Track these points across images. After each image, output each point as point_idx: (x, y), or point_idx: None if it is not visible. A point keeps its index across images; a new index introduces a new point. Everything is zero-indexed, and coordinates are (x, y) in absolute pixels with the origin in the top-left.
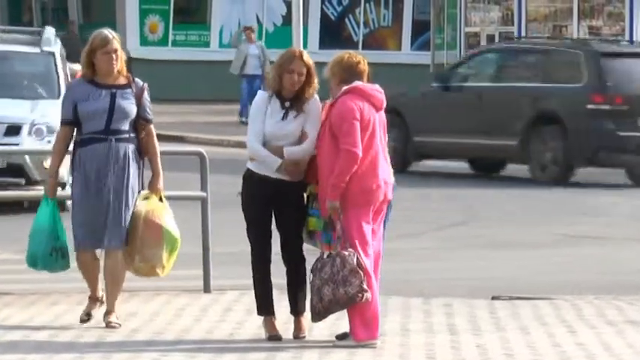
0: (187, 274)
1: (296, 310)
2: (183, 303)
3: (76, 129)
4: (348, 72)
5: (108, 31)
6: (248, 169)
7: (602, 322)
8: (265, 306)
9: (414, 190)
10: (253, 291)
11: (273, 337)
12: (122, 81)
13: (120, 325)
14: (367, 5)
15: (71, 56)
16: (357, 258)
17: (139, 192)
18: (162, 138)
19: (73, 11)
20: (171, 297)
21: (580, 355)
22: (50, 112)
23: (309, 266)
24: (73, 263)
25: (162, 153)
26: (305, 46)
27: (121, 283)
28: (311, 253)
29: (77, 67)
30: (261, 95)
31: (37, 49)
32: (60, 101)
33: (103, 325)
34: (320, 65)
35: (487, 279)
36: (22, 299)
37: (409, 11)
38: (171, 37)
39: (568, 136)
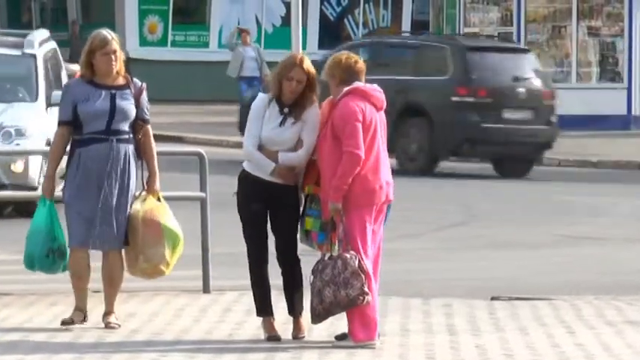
0: (186, 275)
1: (294, 310)
2: (183, 303)
3: (72, 129)
4: (348, 72)
5: (107, 32)
6: (243, 170)
7: (602, 323)
8: (264, 307)
9: (414, 191)
10: (252, 292)
11: (272, 337)
12: (121, 81)
13: (119, 325)
14: (366, 6)
15: (73, 57)
16: (359, 260)
17: (138, 192)
18: (161, 138)
19: (73, 12)
20: (170, 297)
21: (579, 356)
22: (23, 116)
23: (306, 267)
24: None
25: (161, 153)
26: (304, 46)
27: (120, 284)
28: (308, 253)
29: (77, 68)
30: (261, 98)
31: (18, 52)
32: (38, 104)
33: (102, 325)
34: (320, 66)
35: (487, 279)
36: (21, 300)
37: (408, 12)
38: (170, 38)
39: (434, 128)
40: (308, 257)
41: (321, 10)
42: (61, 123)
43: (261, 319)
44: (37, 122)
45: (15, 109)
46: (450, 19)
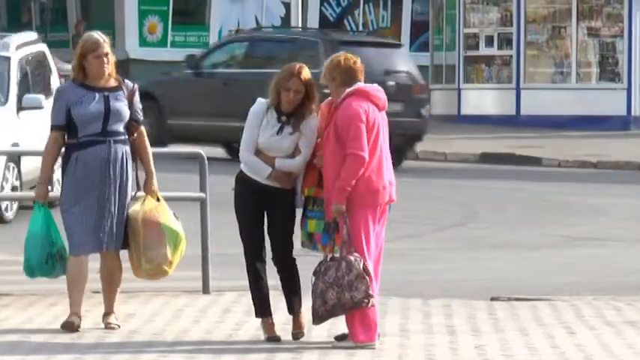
0: (186, 275)
1: (293, 309)
2: (182, 304)
3: (66, 132)
4: (348, 74)
5: (98, 35)
6: (240, 171)
7: (601, 323)
8: (262, 308)
9: (412, 191)
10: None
11: (272, 338)
12: (113, 83)
13: (119, 326)
14: (366, 6)
15: None
16: (364, 263)
17: (134, 193)
18: None
19: (72, 12)
20: (170, 298)
21: (579, 356)
22: None
23: (302, 267)
24: None
25: (161, 154)
26: None
27: (119, 284)
28: (305, 254)
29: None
30: (259, 105)
31: None
32: (7, 107)
33: (102, 326)
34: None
35: (486, 280)
36: (20, 300)
37: (408, 12)
38: (170, 38)
39: None
40: (306, 257)
41: (320, 10)
42: (54, 128)
43: (260, 320)
44: (3, 125)
45: None
46: (450, 19)
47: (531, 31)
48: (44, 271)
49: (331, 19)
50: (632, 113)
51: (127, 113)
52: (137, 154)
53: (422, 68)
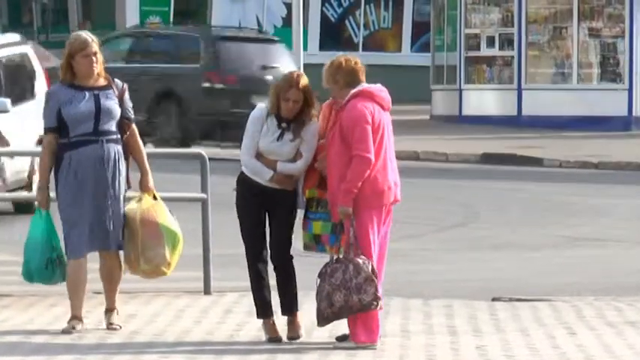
0: (187, 276)
1: (290, 310)
2: (184, 305)
3: (58, 134)
4: (351, 75)
5: (86, 34)
6: (242, 173)
7: (602, 324)
8: (264, 309)
9: (414, 191)
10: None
11: (273, 339)
12: (102, 82)
13: (120, 326)
14: (367, 7)
15: None
16: (372, 265)
17: (126, 191)
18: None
19: (74, 13)
20: (171, 298)
21: (580, 357)
22: None
23: (300, 267)
24: None
25: (163, 155)
26: (305, 47)
27: (119, 281)
28: (305, 254)
29: None
30: (258, 111)
31: None
32: None
33: (104, 327)
34: (320, 67)
35: (487, 280)
36: (21, 301)
37: (409, 13)
38: None
39: (186, 113)
40: (306, 258)
41: (322, 11)
42: (46, 130)
43: (261, 321)
44: None
45: None
46: (451, 20)
47: (532, 31)
48: (43, 276)
49: (332, 19)
50: (634, 114)
51: (117, 111)
52: (130, 153)
53: (423, 69)
